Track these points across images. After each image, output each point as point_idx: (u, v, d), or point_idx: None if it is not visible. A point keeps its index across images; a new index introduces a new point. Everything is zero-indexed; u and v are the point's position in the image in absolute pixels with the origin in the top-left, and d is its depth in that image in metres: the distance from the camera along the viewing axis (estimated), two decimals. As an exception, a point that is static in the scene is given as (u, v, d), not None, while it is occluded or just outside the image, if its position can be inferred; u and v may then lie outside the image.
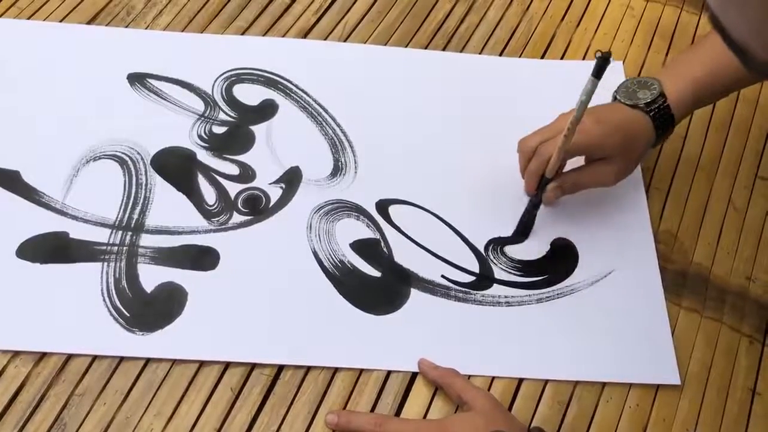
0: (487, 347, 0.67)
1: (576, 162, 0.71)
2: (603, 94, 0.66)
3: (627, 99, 0.70)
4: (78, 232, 0.68)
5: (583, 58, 0.89)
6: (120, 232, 0.69)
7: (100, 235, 0.68)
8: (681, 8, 0.95)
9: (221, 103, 0.79)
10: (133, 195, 0.71)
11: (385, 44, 0.87)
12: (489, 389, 0.65)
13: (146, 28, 0.84)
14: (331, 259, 0.70)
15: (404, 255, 0.71)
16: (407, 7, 0.90)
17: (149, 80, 0.79)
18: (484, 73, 0.86)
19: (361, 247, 0.71)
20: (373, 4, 0.90)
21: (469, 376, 0.65)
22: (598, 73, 0.60)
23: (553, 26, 0.91)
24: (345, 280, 0.69)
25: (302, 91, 0.81)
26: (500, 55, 0.88)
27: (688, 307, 0.72)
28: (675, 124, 0.71)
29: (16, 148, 0.73)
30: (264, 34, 0.85)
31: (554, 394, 0.66)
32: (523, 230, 0.73)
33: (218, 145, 0.76)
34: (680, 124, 0.84)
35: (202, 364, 0.63)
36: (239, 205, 0.72)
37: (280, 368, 0.64)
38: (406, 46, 0.87)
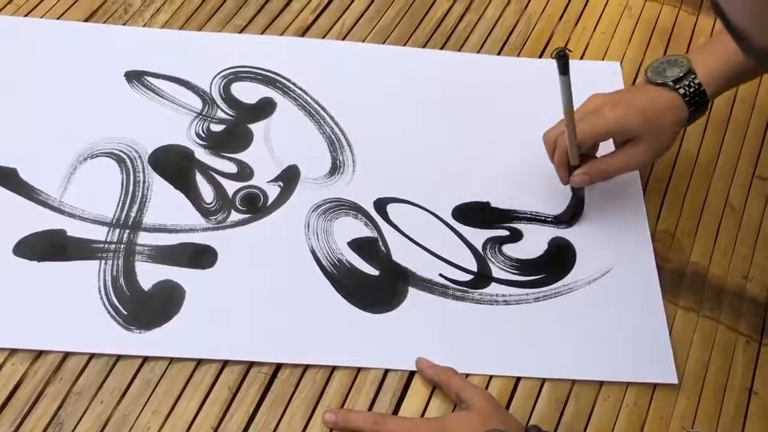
0: (484, 346, 0.67)
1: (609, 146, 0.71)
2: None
3: (655, 77, 0.70)
4: (75, 229, 0.68)
5: (581, 58, 0.89)
6: (117, 230, 0.69)
7: (98, 233, 0.68)
8: (679, 8, 0.95)
9: (219, 101, 0.79)
10: (130, 193, 0.71)
11: (383, 43, 0.86)
12: (487, 388, 0.65)
13: (144, 26, 0.84)
14: (329, 258, 0.70)
15: (402, 253, 0.71)
16: (405, 6, 0.90)
17: (147, 78, 0.79)
18: (483, 71, 0.86)
19: (359, 245, 0.71)
20: (372, 2, 0.90)
21: (467, 375, 0.65)
22: (563, 70, 0.61)
23: (551, 25, 0.92)
24: (343, 279, 0.68)
25: (300, 89, 0.81)
26: (498, 54, 0.88)
27: (686, 306, 0.72)
28: (709, 101, 0.70)
29: (13, 145, 0.72)
30: (262, 33, 0.85)
31: (552, 393, 0.66)
32: (572, 218, 0.75)
33: (216, 143, 0.76)
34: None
35: (199, 362, 0.63)
36: (237, 204, 0.72)
37: (278, 367, 0.64)
38: (404, 45, 0.87)
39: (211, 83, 0.80)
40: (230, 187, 0.73)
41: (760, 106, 0.87)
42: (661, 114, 0.69)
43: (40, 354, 0.62)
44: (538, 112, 0.73)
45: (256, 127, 0.77)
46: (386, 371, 0.65)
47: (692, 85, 0.68)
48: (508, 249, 0.73)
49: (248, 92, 0.80)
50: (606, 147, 0.72)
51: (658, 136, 0.69)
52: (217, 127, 0.77)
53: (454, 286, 0.70)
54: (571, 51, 0.59)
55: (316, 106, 0.80)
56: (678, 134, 0.71)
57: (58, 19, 0.82)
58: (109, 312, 0.64)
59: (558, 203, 0.75)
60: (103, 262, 0.67)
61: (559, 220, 0.75)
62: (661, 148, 0.70)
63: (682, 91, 0.68)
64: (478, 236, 0.73)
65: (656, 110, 0.68)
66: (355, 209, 0.73)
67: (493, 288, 0.70)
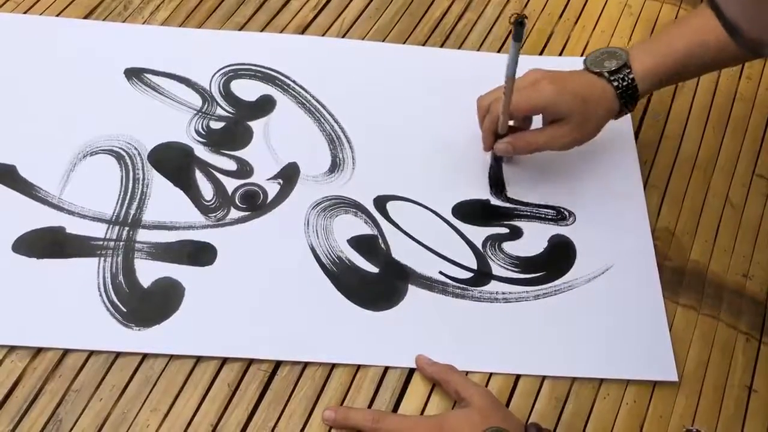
0: (484, 343, 0.67)
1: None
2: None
3: (593, 66, 0.71)
4: (74, 227, 0.68)
5: (581, 55, 0.89)
6: (117, 227, 0.69)
7: (97, 230, 0.68)
8: (679, 6, 0.95)
9: (219, 99, 0.79)
10: (130, 190, 0.71)
11: (383, 41, 0.86)
12: (486, 385, 0.65)
13: (143, 23, 0.83)
14: (328, 255, 0.70)
15: (402, 251, 0.71)
16: (405, 4, 0.90)
17: (146, 75, 0.79)
18: (483, 69, 0.85)
19: (358, 243, 0.71)
20: (371, 0, 0.89)
21: (467, 373, 0.65)
22: (517, 36, 0.62)
23: (551, 24, 0.91)
24: (342, 276, 0.68)
25: (300, 87, 0.81)
26: (498, 52, 0.88)
27: (686, 304, 0.72)
28: (640, 97, 0.71)
29: (12, 142, 0.72)
30: (262, 30, 0.85)
31: (552, 391, 0.66)
32: (495, 185, 0.76)
33: (216, 141, 0.76)
34: (679, 122, 0.85)
35: (198, 359, 0.63)
36: (237, 201, 0.72)
37: (278, 364, 0.64)
38: (403, 43, 0.87)
39: (211, 80, 0.80)
40: (230, 184, 0.73)
41: (760, 105, 0.87)
42: (594, 101, 0.70)
43: (39, 351, 0.62)
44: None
45: (255, 125, 0.77)
46: (386, 369, 0.65)
47: (626, 79, 0.70)
48: (508, 247, 0.72)
49: (248, 90, 0.80)
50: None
51: (586, 122, 0.71)
52: (216, 125, 0.77)
53: (454, 283, 0.69)
54: (527, 18, 0.61)
55: (315, 103, 0.80)
56: (603, 126, 0.72)
57: (57, 16, 0.82)
58: (108, 309, 0.64)
59: (556, 201, 0.76)
60: (103, 259, 0.67)
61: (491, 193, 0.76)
62: (585, 134, 0.71)
63: (615, 83, 0.70)
64: (478, 234, 0.73)
65: (590, 96, 0.70)
66: (355, 207, 0.73)
67: (493, 286, 0.70)
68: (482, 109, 0.74)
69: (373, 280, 0.69)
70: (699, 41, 0.70)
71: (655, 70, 0.70)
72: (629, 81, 0.70)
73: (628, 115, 0.82)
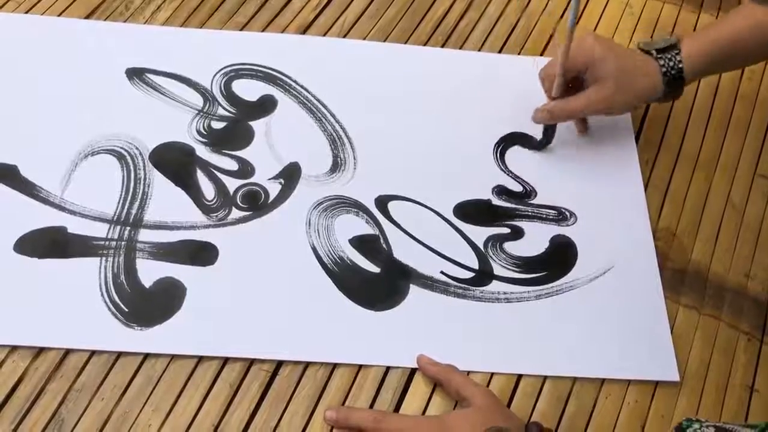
0: (486, 343, 0.67)
1: None
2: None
3: (644, 46, 0.74)
4: (76, 226, 0.68)
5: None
6: (118, 227, 0.69)
7: (99, 230, 0.68)
8: (680, 6, 0.95)
9: (220, 99, 0.79)
10: (131, 190, 0.71)
11: (384, 40, 0.86)
12: (488, 385, 0.65)
13: (145, 23, 0.83)
14: (330, 255, 0.70)
15: (403, 251, 0.71)
16: (406, 4, 0.90)
17: (148, 75, 0.79)
18: (484, 69, 0.85)
19: (360, 243, 0.71)
20: (372, 0, 0.89)
21: (468, 372, 0.65)
22: None
23: (552, 23, 0.91)
24: (344, 276, 0.68)
25: (301, 86, 0.81)
26: (500, 51, 0.88)
27: (687, 305, 0.72)
28: (686, 80, 0.72)
29: (14, 142, 0.72)
30: (263, 30, 0.85)
31: (553, 390, 0.66)
32: (545, 140, 0.78)
33: (217, 141, 0.76)
34: (680, 121, 0.84)
35: (200, 359, 0.63)
36: (238, 201, 0.72)
37: (279, 364, 0.64)
38: (405, 43, 0.87)
39: (212, 80, 0.80)
40: (231, 184, 0.73)
41: (761, 105, 0.87)
42: (635, 71, 0.72)
43: (40, 351, 0.62)
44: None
45: (257, 125, 0.77)
46: (387, 369, 0.65)
47: (673, 59, 0.72)
48: (510, 247, 0.72)
49: (249, 89, 0.80)
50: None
51: (624, 89, 0.72)
52: (218, 125, 0.77)
53: (456, 283, 0.69)
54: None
55: (317, 103, 0.80)
56: (641, 101, 0.75)
57: (59, 16, 0.82)
58: (110, 309, 0.64)
59: (557, 201, 0.76)
60: (104, 259, 0.67)
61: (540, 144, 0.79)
62: (621, 102, 0.73)
63: (661, 62, 0.72)
64: (479, 234, 0.73)
65: (633, 65, 0.72)
66: (357, 207, 0.73)
67: (495, 286, 0.70)
68: (542, 78, 0.76)
69: (375, 280, 0.69)
70: (747, 25, 0.72)
71: (703, 51, 0.72)
72: (675, 61, 0.71)
73: (629, 115, 0.83)
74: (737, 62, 0.78)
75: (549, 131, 0.78)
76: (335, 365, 0.64)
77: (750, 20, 0.72)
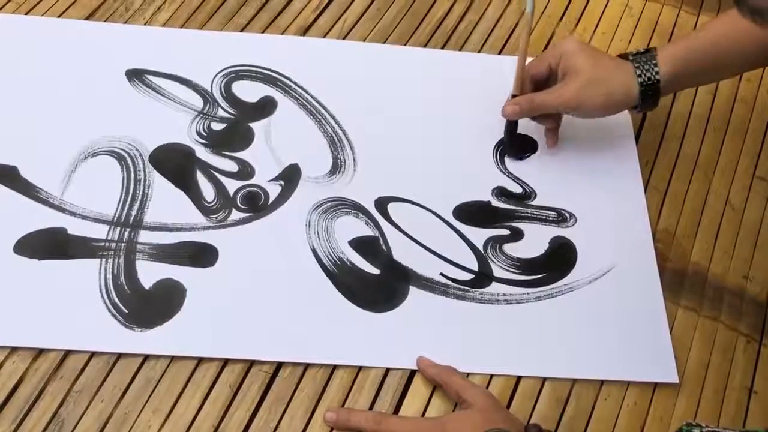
0: (485, 345, 0.67)
1: None
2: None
3: (621, 53, 0.74)
4: (76, 228, 0.68)
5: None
6: (118, 229, 0.69)
7: (99, 232, 0.68)
8: (679, 8, 0.95)
9: (220, 100, 0.79)
10: (131, 191, 0.71)
11: (384, 42, 0.86)
12: (487, 387, 0.65)
13: (145, 24, 0.83)
14: (329, 257, 0.70)
15: (403, 253, 0.71)
16: (406, 5, 0.90)
17: (148, 76, 0.79)
18: (484, 71, 0.85)
19: (360, 244, 0.71)
20: (372, 2, 0.90)
21: (468, 374, 0.65)
22: None
23: (551, 25, 0.92)
24: (344, 278, 0.68)
25: (301, 88, 0.81)
26: (499, 53, 0.88)
27: (686, 306, 0.72)
28: (660, 82, 0.71)
29: (13, 143, 0.72)
30: (263, 31, 0.85)
31: (552, 392, 0.66)
32: (510, 145, 0.78)
33: (217, 142, 0.76)
34: (679, 123, 0.85)
35: (200, 360, 0.63)
36: (238, 202, 0.72)
37: (279, 365, 0.64)
38: (405, 44, 0.87)
39: (212, 82, 0.80)
40: (231, 185, 0.73)
41: (760, 107, 0.87)
42: (610, 67, 0.72)
43: (40, 352, 0.62)
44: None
45: (257, 126, 0.77)
46: (387, 370, 0.65)
47: (648, 63, 0.71)
48: (509, 248, 0.73)
49: (249, 91, 0.80)
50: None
51: (596, 83, 0.71)
52: (218, 126, 0.77)
53: (455, 285, 0.70)
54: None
55: (317, 105, 0.80)
56: (612, 104, 0.72)
57: (58, 17, 0.82)
58: (109, 310, 0.64)
59: (557, 202, 0.76)
60: (104, 260, 0.67)
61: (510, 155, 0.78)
62: (593, 97, 0.71)
63: (637, 64, 0.71)
64: (479, 235, 0.73)
65: (607, 63, 0.72)
66: (356, 208, 0.73)
67: (494, 287, 0.70)
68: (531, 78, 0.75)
69: (374, 281, 0.69)
70: (725, 32, 0.71)
71: (678, 56, 0.71)
72: (651, 65, 0.71)
73: (629, 117, 0.83)
74: (716, 70, 0.76)
75: (511, 127, 0.77)
76: (335, 367, 0.64)
77: (727, 27, 0.71)
